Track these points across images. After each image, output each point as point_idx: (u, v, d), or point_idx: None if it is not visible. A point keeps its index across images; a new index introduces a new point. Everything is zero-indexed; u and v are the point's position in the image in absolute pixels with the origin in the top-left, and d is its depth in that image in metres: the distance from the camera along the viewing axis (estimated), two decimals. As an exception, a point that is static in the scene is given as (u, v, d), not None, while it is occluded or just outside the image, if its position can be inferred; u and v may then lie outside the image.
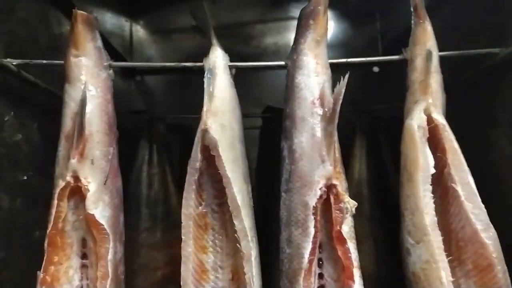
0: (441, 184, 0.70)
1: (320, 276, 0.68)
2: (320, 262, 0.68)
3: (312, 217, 0.63)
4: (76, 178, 0.63)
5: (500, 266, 0.63)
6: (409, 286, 0.72)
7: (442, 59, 0.76)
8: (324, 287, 0.68)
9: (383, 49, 1.36)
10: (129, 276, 1.05)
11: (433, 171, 0.66)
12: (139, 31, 1.38)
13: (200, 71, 0.70)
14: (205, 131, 0.65)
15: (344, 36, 1.37)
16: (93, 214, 0.62)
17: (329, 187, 0.64)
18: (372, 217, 1.06)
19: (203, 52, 0.72)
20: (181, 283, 0.65)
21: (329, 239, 0.68)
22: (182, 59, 0.73)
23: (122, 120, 0.79)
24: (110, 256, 0.63)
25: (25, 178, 0.81)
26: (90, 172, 0.63)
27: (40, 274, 0.62)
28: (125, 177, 0.78)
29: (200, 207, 0.68)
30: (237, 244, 0.64)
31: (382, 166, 1.14)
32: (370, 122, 1.14)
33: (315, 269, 0.66)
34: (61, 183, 0.63)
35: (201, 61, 0.71)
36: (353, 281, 0.63)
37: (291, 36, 0.75)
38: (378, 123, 1.17)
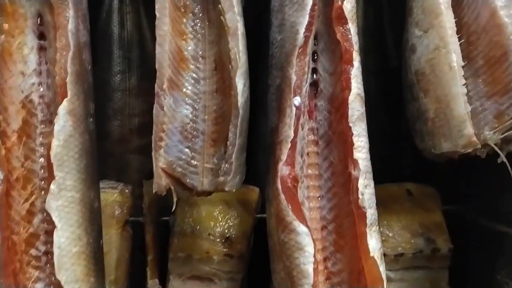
0: (456, -28, 0.61)
1: (314, 71, 0.61)
2: (315, 56, 0.61)
3: (311, -14, 0.54)
4: None
5: (516, 53, 0.57)
6: (409, 93, 0.67)
7: None
8: (318, 83, 0.61)
9: None
10: (103, 120, 0.98)
11: None
12: None
13: None
14: None
15: None
16: (47, -29, 0.52)
17: (332, -49, 0.55)
18: (367, 68, 0.99)
19: None
20: (156, 66, 0.56)
21: (326, 26, 0.59)
22: None
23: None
24: (70, 26, 0.53)
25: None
26: None
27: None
28: (93, 15, 0.67)
29: (178, -15, 0.58)
30: (221, 18, 0.55)
31: (379, 17, 1.06)
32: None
33: (309, 57, 0.58)
34: None
35: None
36: (352, 65, 0.56)
37: None
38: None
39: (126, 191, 0.86)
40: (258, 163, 0.84)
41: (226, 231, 0.82)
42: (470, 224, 0.85)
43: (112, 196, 0.85)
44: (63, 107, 0.52)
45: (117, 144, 1.00)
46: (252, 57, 0.63)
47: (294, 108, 0.54)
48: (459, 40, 0.60)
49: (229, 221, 0.84)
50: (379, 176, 0.64)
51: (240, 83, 0.54)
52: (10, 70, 0.55)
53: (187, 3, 0.59)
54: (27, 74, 0.56)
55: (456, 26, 0.60)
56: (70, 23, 0.53)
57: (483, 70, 0.60)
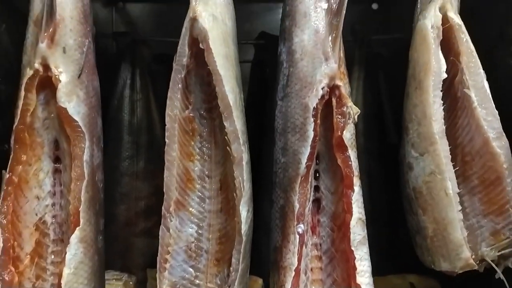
0: (449, 95, 0.65)
1: (316, 189, 0.63)
2: (317, 174, 0.63)
3: (312, 119, 0.57)
4: (46, 67, 0.55)
5: (510, 179, 0.59)
6: (408, 205, 0.69)
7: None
8: (320, 200, 0.63)
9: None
10: (110, 204, 1.00)
11: (445, 76, 0.60)
12: None
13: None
14: (194, 20, 0.57)
15: None
16: (65, 108, 0.55)
17: (332, 88, 0.58)
18: (367, 151, 1.01)
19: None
20: (164, 189, 0.59)
21: (327, 148, 0.62)
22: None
23: (103, 43, 0.70)
24: (86, 157, 0.56)
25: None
26: (62, 61, 0.56)
27: (6, 174, 0.55)
28: (105, 102, 0.71)
29: (186, 111, 0.61)
30: (227, 148, 0.58)
31: (378, 101, 1.10)
32: (369, 57, 1.08)
33: (311, 179, 0.61)
34: (28, 72, 0.55)
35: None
36: (353, 190, 0.58)
37: None
38: (377, 59, 1.11)
39: (131, 283, 0.87)
40: (262, 251, 0.85)
41: (229, 326, 0.82)
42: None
43: (116, 288, 0.86)
44: (75, 236, 0.54)
45: (122, 227, 1.01)
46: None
47: (297, 236, 0.56)
48: (454, 160, 0.63)
49: (232, 315, 0.84)
50: (380, 265, 0.66)
51: (244, 210, 0.56)
52: (25, 196, 0.57)
53: (195, 127, 0.62)
54: (41, 197, 0.59)
55: (451, 145, 0.63)
56: (86, 154, 0.56)
57: (479, 189, 0.63)
